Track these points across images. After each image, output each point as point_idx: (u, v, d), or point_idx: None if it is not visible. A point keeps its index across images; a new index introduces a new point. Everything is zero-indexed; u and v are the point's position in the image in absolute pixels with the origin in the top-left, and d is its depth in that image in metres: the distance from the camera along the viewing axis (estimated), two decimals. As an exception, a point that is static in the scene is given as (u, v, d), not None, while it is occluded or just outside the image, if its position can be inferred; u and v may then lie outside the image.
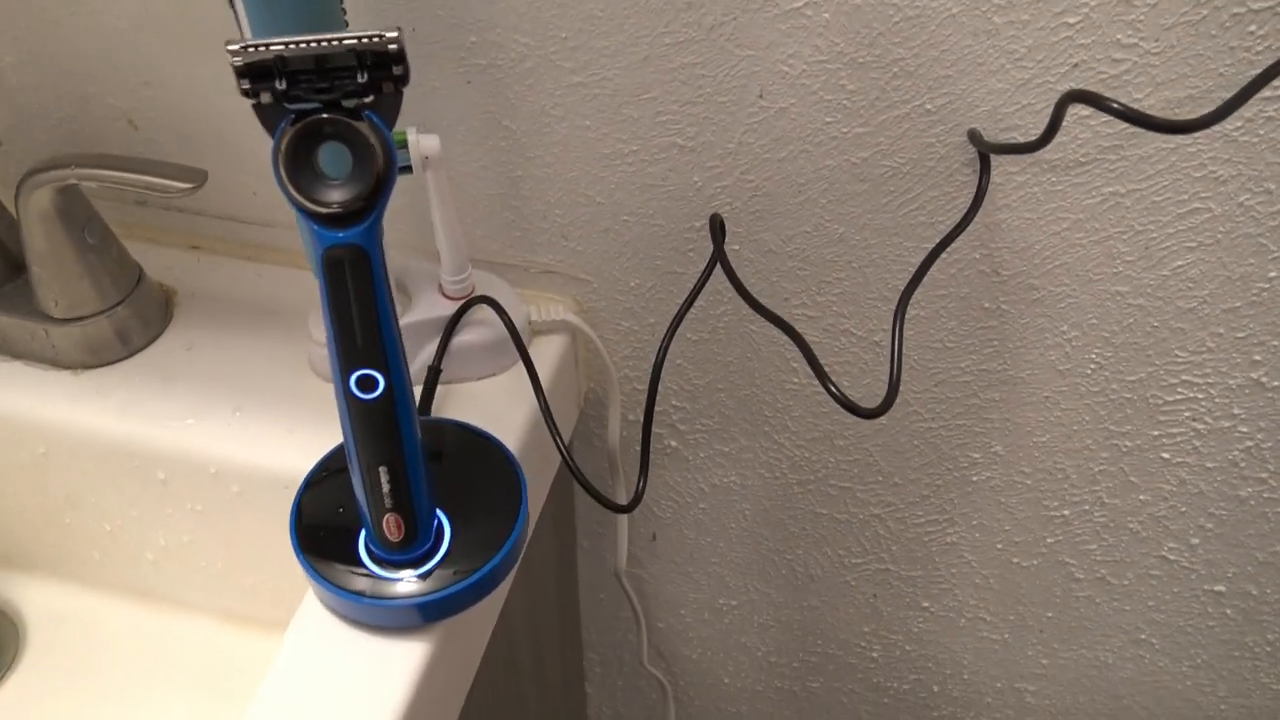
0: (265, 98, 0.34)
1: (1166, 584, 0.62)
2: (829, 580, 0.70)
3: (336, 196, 0.34)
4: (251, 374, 0.54)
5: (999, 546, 0.64)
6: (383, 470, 0.40)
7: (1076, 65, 0.42)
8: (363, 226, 0.35)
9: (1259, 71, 0.35)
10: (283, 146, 0.34)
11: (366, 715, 0.41)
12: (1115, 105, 0.33)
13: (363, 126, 0.34)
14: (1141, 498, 0.58)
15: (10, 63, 0.55)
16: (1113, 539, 0.61)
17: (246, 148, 0.56)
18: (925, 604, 0.69)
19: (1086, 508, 0.59)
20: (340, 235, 0.35)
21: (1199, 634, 0.64)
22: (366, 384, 0.38)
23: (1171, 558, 0.60)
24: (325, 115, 0.34)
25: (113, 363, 0.55)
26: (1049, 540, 0.62)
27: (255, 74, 0.33)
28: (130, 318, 0.55)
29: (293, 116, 0.34)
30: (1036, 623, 0.67)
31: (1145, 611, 0.64)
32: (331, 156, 0.35)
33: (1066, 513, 0.60)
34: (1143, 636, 0.66)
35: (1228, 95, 0.36)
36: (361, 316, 0.36)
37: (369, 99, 0.34)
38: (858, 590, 0.70)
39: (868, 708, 0.79)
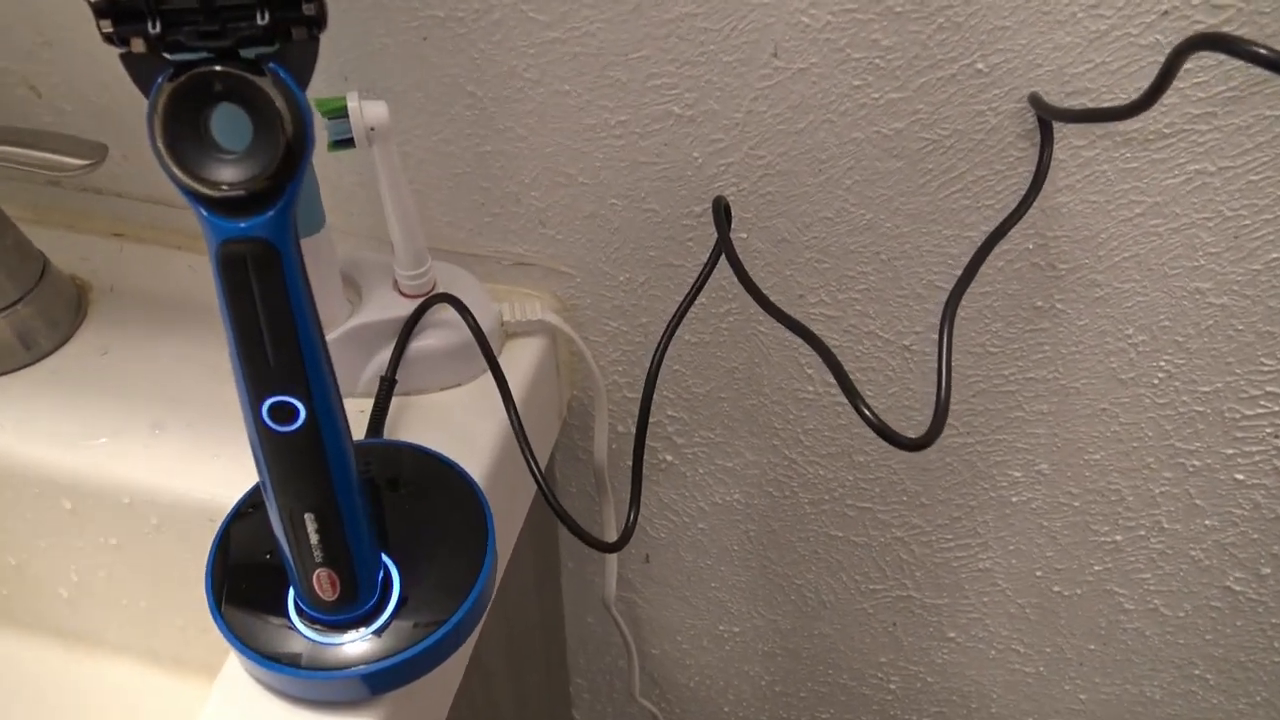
0: (137, 44, 0.26)
1: (1229, 617, 0.55)
2: (843, 607, 0.62)
3: (231, 175, 0.26)
4: (175, 384, 0.46)
5: (1038, 574, 0.56)
6: (309, 518, 0.32)
7: (1166, 13, 0.34)
8: (269, 214, 0.27)
9: None
10: (159, 108, 0.26)
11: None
12: (1261, 50, 0.25)
13: (265, 83, 0.26)
14: (1207, 523, 0.50)
15: (-114, 17, 0.47)
16: (1170, 567, 0.53)
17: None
18: (951, 634, 0.62)
19: (1142, 533, 0.52)
20: (241, 226, 0.27)
21: (1261, 670, 0.57)
22: (283, 413, 0.30)
23: (1237, 589, 0.53)
24: (216, 68, 0.26)
25: (12, 371, 0.47)
26: (1096, 568, 0.54)
27: (120, 12, 0.25)
28: (32, 317, 0.47)
29: (172, 70, 0.26)
30: (1076, 655, 0.60)
31: (1202, 646, 0.57)
32: (228, 123, 0.27)
33: (1119, 538, 0.53)
34: (1196, 672, 0.58)
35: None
36: (273, 330, 0.28)
37: (274, 47, 0.26)
38: (875, 619, 0.62)
39: (883, 741, 0.72)
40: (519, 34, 0.40)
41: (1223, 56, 0.32)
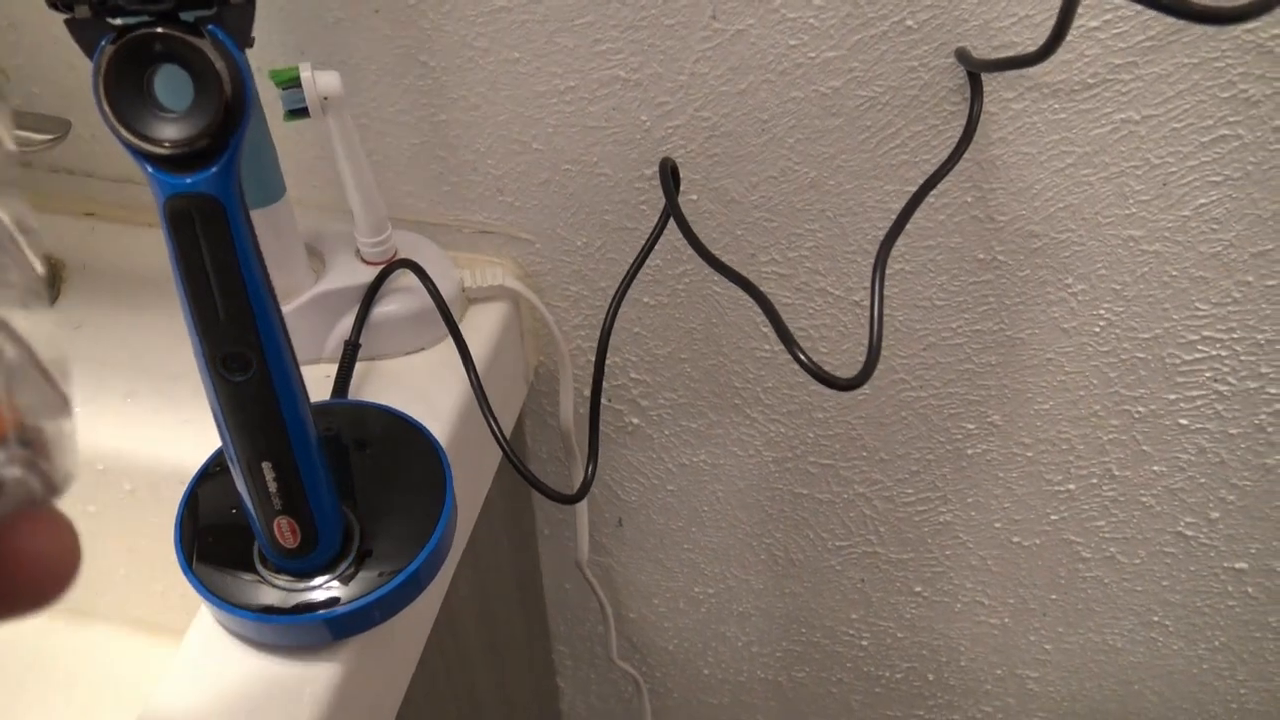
0: (81, 10, 0.27)
1: (1183, 562, 0.56)
2: (812, 565, 0.64)
3: (174, 133, 0.28)
4: (147, 355, 0.48)
5: (997, 525, 0.57)
6: (266, 466, 0.33)
7: (1083, -34, 0.36)
8: (213, 170, 0.28)
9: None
10: (103, 69, 0.27)
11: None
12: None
13: (203, 44, 0.27)
14: (1156, 469, 0.52)
15: None
16: (1123, 514, 0.55)
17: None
18: (918, 588, 0.63)
19: (1094, 481, 0.53)
20: (186, 181, 0.28)
21: (1217, 615, 0.58)
22: (235, 364, 0.31)
23: (1189, 533, 0.54)
24: (156, 30, 0.27)
25: (-11, 346, 0.48)
26: (1052, 517, 0.56)
27: (62, -21, 0.27)
28: (7, 294, 0.48)
29: (114, 33, 0.27)
30: (1039, 606, 0.62)
31: (1159, 592, 0.58)
32: (170, 84, 0.28)
33: (1072, 487, 0.54)
34: (1155, 618, 0.60)
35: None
36: (221, 283, 0.30)
37: (211, 10, 0.27)
38: (844, 575, 0.64)
39: (858, 697, 0.73)
40: (467, 4, 0.42)
41: (1136, 6, 0.33)
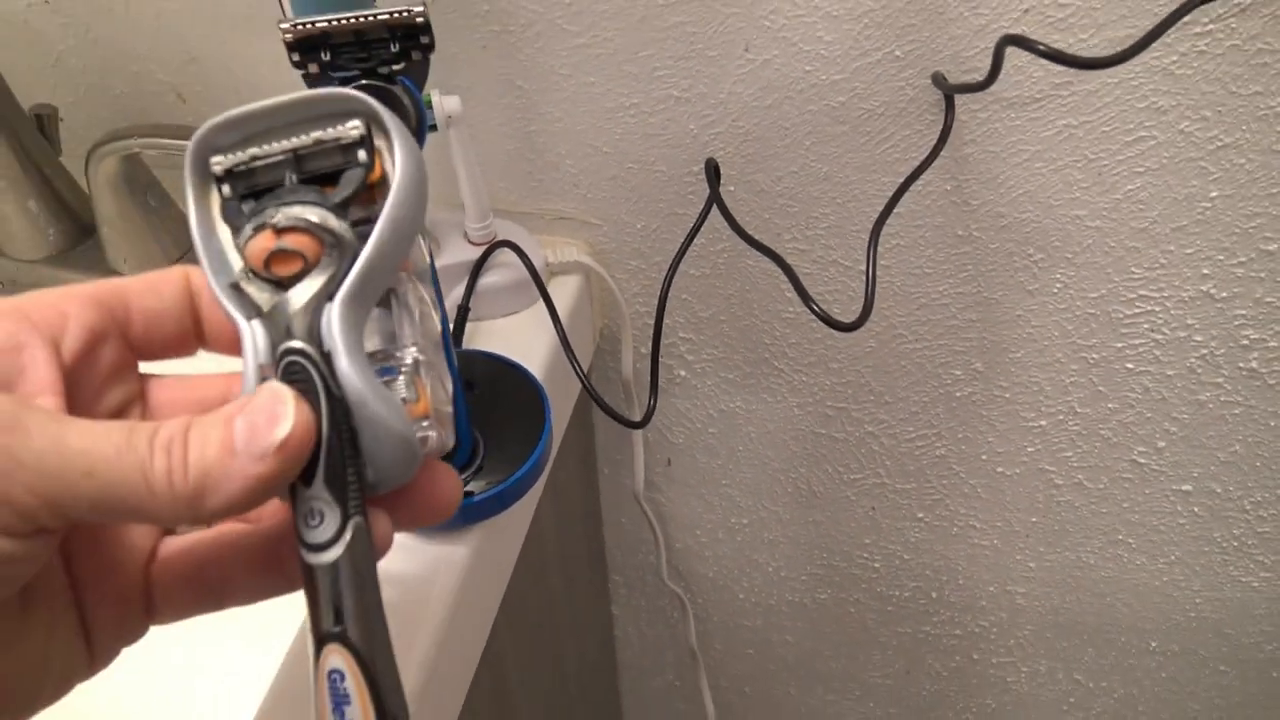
0: (312, 68, 0.39)
1: (1138, 486, 0.67)
2: (830, 496, 0.76)
3: (378, 151, 0.40)
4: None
5: (984, 457, 0.69)
6: (424, 390, 0.46)
7: (1027, 10, 0.47)
8: (400, 176, 0.41)
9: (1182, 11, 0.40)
10: (330, 110, 0.40)
11: (418, 608, 0.47)
12: (1040, 47, 0.39)
13: (397, 90, 0.40)
14: (1110, 406, 0.63)
15: (71, 46, 0.61)
16: (1086, 446, 0.66)
17: (285, 115, 0.61)
18: (920, 514, 0.75)
19: (1061, 417, 0.65)
20: (381, 185, 0.41)
21: (1171, 532, 0.70)
22: (408, 314, 0.44)
23: (1141, 461, 0.66)
24: (365, 81, 0.39)
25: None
26: (1029, 449, 0.68)
27: (303, 48, 0.39)
28: (189, 272, 0.61)
29: (337, 83, 0.39)
30: (1023, 528, 0.73)
31: (1121, 513, 0.70)
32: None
33: (1044, 423, 0.66)
34: (1120, 537, 0.71)
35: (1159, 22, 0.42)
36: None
37: (401, 65, 0.40)
38: (857, 504, 0.76)
39: (873, 616, 0.85)
40: (555, 41, 0.54)
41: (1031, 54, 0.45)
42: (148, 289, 0.29)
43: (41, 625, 0.26)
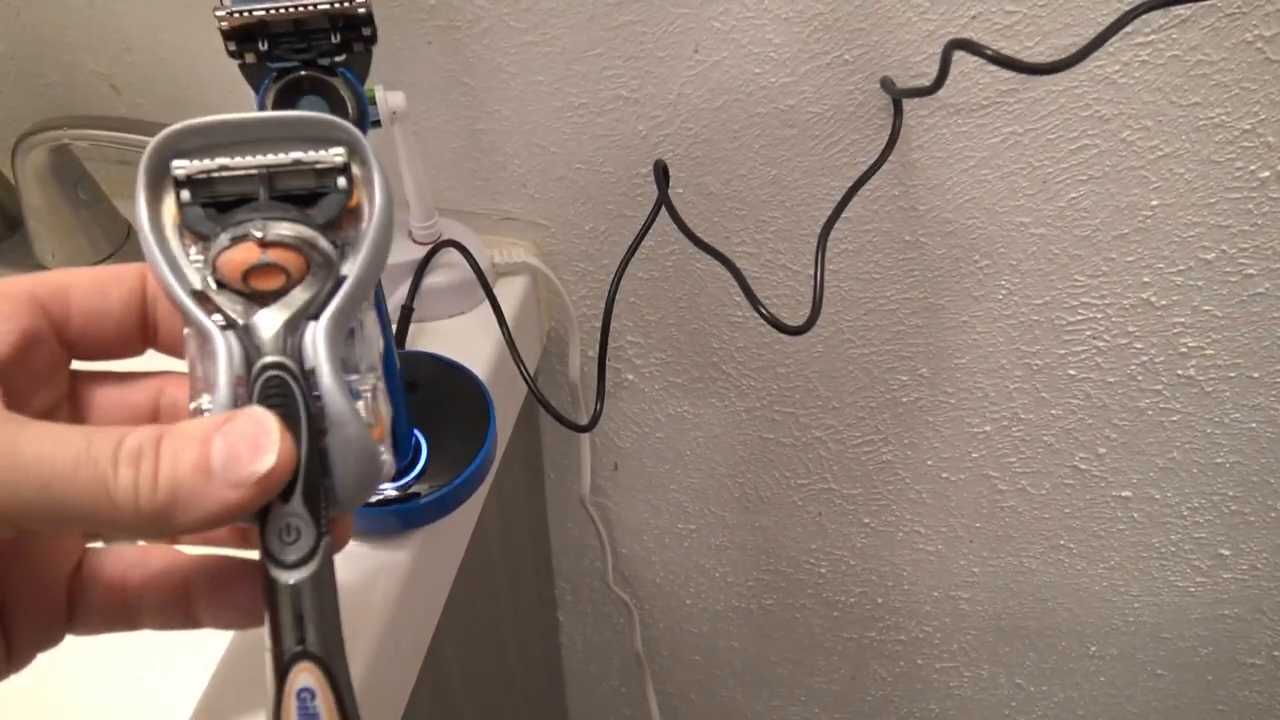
0: (249, 58, 0.38)
1: (1080, 492, 0.68)
2: (777, 501, 0.76)
3: (316, 144, 0.39)
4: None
5: (929, 463, 0.70)
6: (364, 391, 0.45)
7: (975, 17, 0.47)
8: (340, 171, 0.39)
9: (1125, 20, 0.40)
10: (268, 102, 0.38)
11: (359, 613, 0.46)
12: (988, 52, 0.39)
13: (337, 81, 0.38)
14: (1053, 412, 0.64)
15: (-2, 32, 0.59)
16: (1030, 452, 0.67)
17: (226, 107, 0.60)
18: (866, 520, 0.75)
19: (1005, 424, 0.65)
20: (321, 179, 0.40)
21: (1111, 538, 0.71)
22: (348, 312, 0.42)
23: (1083, 467, 0.67)
24: (304, 72, 0.38)
25: (107, 311, 0.59)
26: (973, 455, 0.68)
27: (240, 36, 0.38)
28: (121, 269, 0.59)
29: (275, 74, 0.38)
30: (967, 533, 0.74)
31: (1062, 518, 0.70)
32: (312, 109, 0.39)
33: (988, 429, 0.66)
34: (1061, 542, 0.72)
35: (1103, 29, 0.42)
36: (341, 251, 0.41)
37: (342, 57, 0.39)
38: (804, 510, 0.76)
39: (819, 621, 0.86)
40: (503, 38, 0.53)
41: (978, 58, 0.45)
42: (94, 290, 0.28)
43: None
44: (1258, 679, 0.77)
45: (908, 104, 0.51)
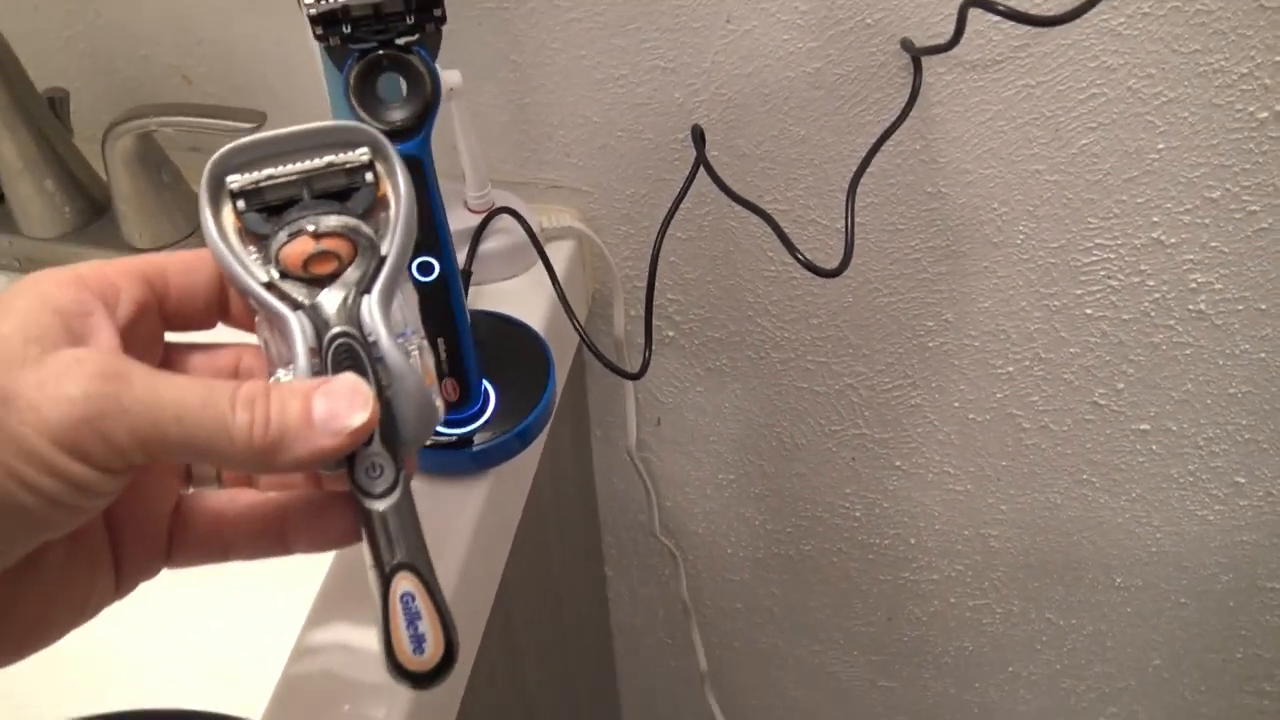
0: (334, 41, 0.43)
1: (1100, 427, 0.72)
2: (812, 448, 0.80)
3: (397, 116, 0.43)
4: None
5: (956, 405, 0.74)
6: (440, 341, 0.49)
7: (986, -22, 0.51)
8: (418, 139, 0.44)
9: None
10: (351, 80, 0.43)
11: (440, 544, 0.51)
12: (1000, 7, 0.43)
13: (413, 59, 0.43)
14: (1072, 350, 0.68)
15: (80, 30, 0.64)
16: (1051, 390, 0.71)
17: (289, 92, 0.64)
18: (898, 463, 0.79)
19: (1027, 364, 0.69)
20: (400, 147, 0.44)
21: (1131, 470, 0.74)
22: (425, 269, 0.47)
23: (1102, 403, 0.70)
24: (383, 52, 0.43)
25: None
26: (998, 395, 0.72)
27: (326, 21, 0.42)
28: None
29: (357, 54, 0.43)
30: (994, 472, 0.78)
31: (1084, 454, 0.74)
32: (389, 84, 0.44)
33: (1011, 369, 0.70)
34: (1084, 477, 0.76)
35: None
36: (420, 214, 0.46)
37: (416, 37, 0.43)
38: (838, 455, 0.80)
39: (855, 564, 0.90)
40: (548, 17, 0.57)
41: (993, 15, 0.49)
42: (185, 268, 0.33)
43: (85, 563, 0.30)
44: (1277, 603, 0.81)
45: (926, 62, 0.55)
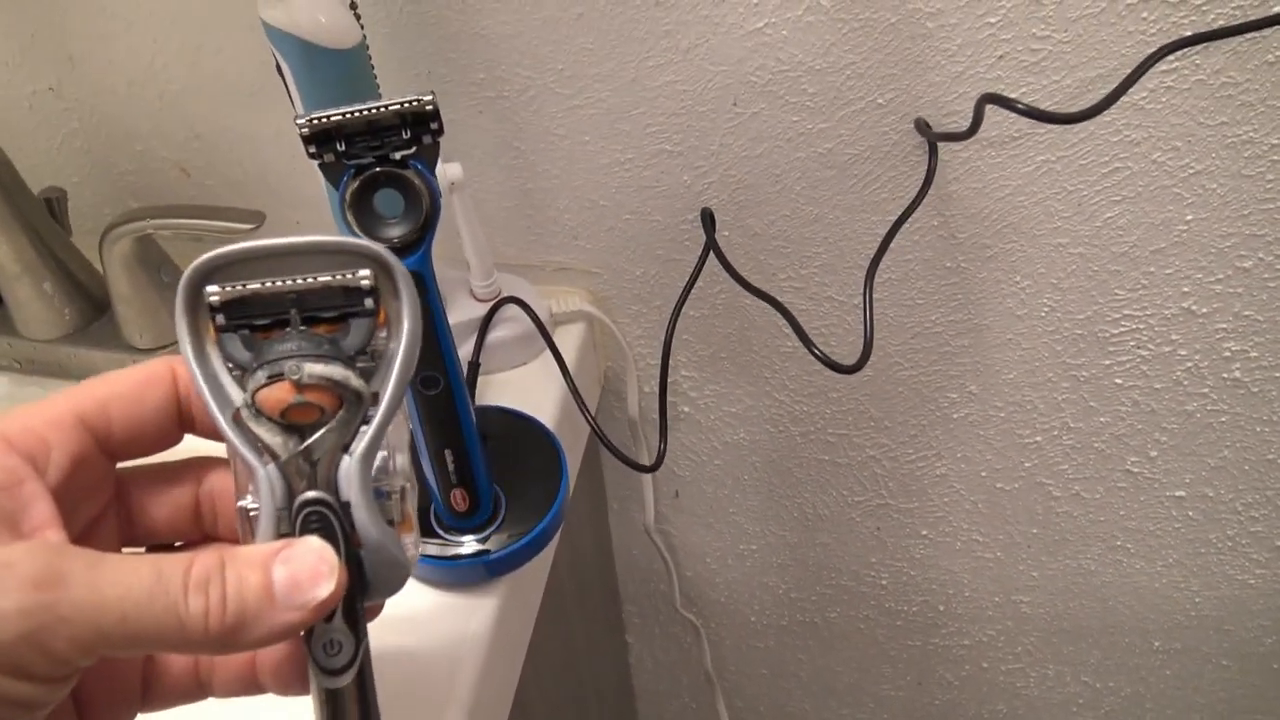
0: (328, 158, 0.41)
1: (1133, 494, 0.70)
2: (836, 519, 0.78)
3: (395, 232, 0.42)
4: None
5: (983, 474, 0.71)
6: (448, 453, 0.47)
7: (1001, 57, 0.50)
8: (418, 254, 0.42)
9: (1145, 56, 0.42)
10: (348, 197, 0.41)
11: (452, 660, 0.49)
12: (1020, 106, 0.41)
13: (410, 174, 0.41)
14: (1102, 420, 0.65)
15: (76, 128, 0.63)
16: (1081, 459, 0.68)
17: (288, 185, 0.63)
18: (924, 532, 0.77)
19: (1055, 433, 0.67)
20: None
21: (1167, 536, 0.72)
22: (430, 383, 0.45)
23: (1135, 470, 0.68)
24: (379, 169, 0.41)
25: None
26: (1026, 465, 0.70)
27: (319, 140, 0.41)
28: (203, 342, 0.63)
29: (352, 170, 0.41)
30: (1024, 539, 0.75)
31: (1118, 520, 0.72)
32: (386, 200, 0.42)
33: (1039, 439, 0.68)
34: (1118, 543, 0.74)
35: (1129, 72, 0.44)
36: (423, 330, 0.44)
37: (413, 150, 0.42)
38: (862, 525, 0.78)
39: (882, 631, 0.87)
40: (550, 104, 0.56)
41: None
42: (133, 399, 0.30)
43: None
44: (1324, 665, 0.78)
45: (942, 145, 0.53)
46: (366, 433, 0.29)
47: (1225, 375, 0.61)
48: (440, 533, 0.51)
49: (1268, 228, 0.54)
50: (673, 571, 0.82)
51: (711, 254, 0.57)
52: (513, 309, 0.60)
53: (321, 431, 0.29)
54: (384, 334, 0.31)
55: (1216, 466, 0.66)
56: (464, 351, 0.60)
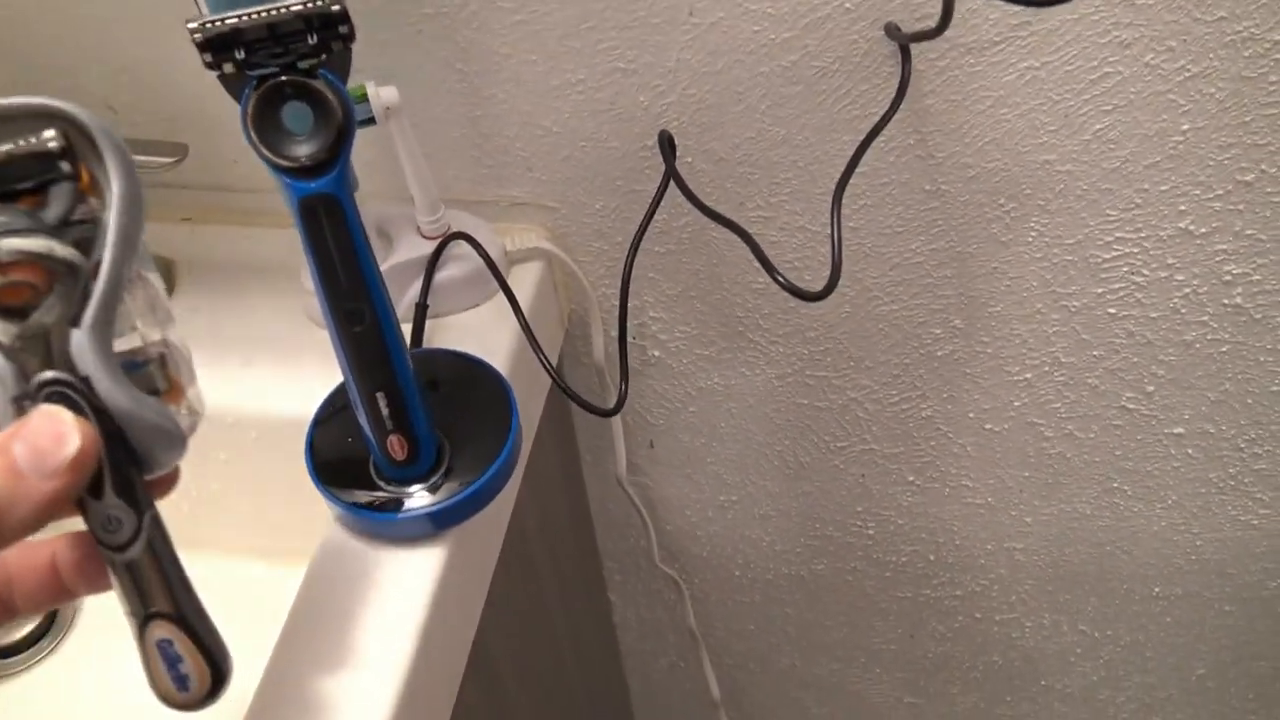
0: (228, 68, 0.37)
1: (1130, 432, 0.66)
2: (818, 466, 0.74)
3: (304, 151, 0.38)
4: (254, 329, 0.59)
5: (970, 415, 0.68)
6: (380, 396, 0.44)
7: (977, -50, 0.45)
8: (331, 175, 0.38)
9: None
10: (249, 110, 0.37)
11: (395, 618, 0.45)
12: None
13: (319, 84, 0.37)
14: (1095, 353, 0.62)
15: (-8, 63, 0.59)
16: (1074, 395, 0.65)
17: (223, 120, 0.59)
18: (911, 478, 0.74)
19: (1046, 369, 0.63)
20: (312, 185, 0.39)
21: (1166, 476, 0.68)
22: (354, 317, 0.42)
23: (1131, 406, 0.64)
24: (284, 78, 0.37)
25: (126, 333, 0.59)
26: (1015, 404, 0.66)
27: (215, 47, 0.37)
28: (136, 290, 0.59)
29: (255, 82, 0.37)
30: (1015, 483, 0.72)
31: (1114, 461, 0.68)
32: (295, 115, 0.38)
33: (1028, 376, 0.64)
34: (1115, 485, 0.70)
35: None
36: (341, 257, 0.40)
37: (321, 58, 0.38)
38: (846, 472, 0.74)
39: (871, 582, 0.84)
40: (493, 20, 0.51)
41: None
42: None
43: None
44: (1331, 608, 0.75)
45: (916, 48, 0.49)
46: (91, 302, 0.28)
47: (1226, 301, 0.57)
48: (380, 484, 0.47)
49: (1271, 136, 0.49)
50: (649, 525, 0.79)
51: (672, 182, 0.53)
52: (464, 247, 0.56)
53: (40, 309, 0.28)
54: (98, 201, 0.29)
55: (1217, 400, 0.62)
56: (412, 292, 0.57)
